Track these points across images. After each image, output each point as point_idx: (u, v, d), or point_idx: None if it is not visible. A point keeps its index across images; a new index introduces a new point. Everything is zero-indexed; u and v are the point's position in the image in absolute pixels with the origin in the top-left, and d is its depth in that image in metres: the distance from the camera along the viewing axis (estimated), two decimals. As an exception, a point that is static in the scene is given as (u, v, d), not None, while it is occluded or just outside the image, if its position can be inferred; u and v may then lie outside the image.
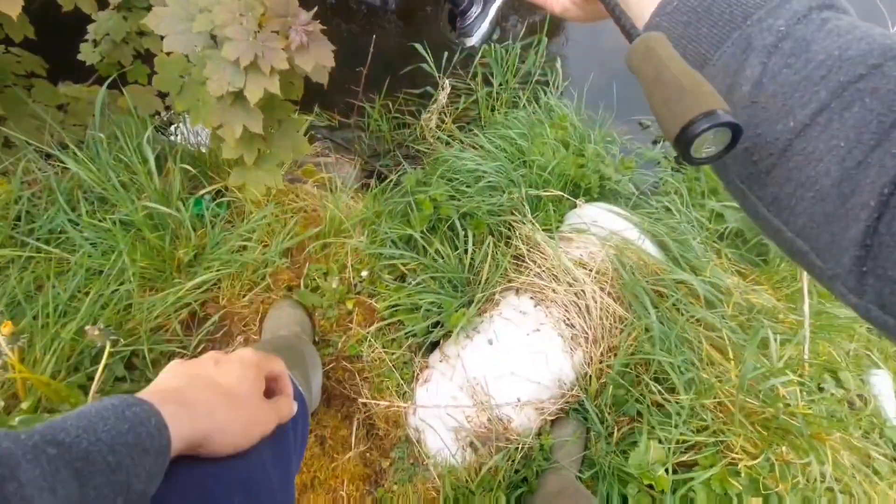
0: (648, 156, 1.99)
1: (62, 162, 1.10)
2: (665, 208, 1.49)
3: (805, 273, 1.21)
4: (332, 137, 2.42)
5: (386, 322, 1.20)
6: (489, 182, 1.32)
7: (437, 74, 2.29)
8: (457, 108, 2.39)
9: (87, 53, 1.51)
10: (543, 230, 1.30)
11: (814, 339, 1.17)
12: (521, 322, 1.19)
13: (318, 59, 0.94)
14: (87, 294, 0.99)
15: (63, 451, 0.28)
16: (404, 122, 2.49)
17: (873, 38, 0.25)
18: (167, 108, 1.50)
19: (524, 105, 2.10)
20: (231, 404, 0.41)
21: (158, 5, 1.02)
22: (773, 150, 0.27)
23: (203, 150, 1.38)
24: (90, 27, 1.50)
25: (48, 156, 1.18)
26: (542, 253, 1.22)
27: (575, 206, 1.44)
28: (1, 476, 0.24)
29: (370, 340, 1.18)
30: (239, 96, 0.96)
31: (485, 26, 0.45)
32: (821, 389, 1.22)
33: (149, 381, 0.96)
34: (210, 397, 0.40)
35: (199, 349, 1.08)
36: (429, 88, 2.34)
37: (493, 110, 2.25)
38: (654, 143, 2.56)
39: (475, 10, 0.44)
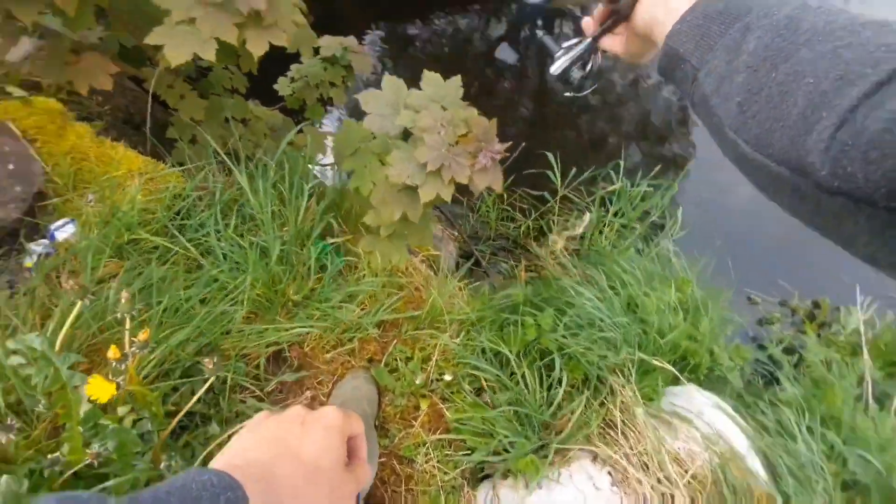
0: (773, 351, 1.81)
1: (229, 172, 1.20)
2: (777, 422, 1.32)
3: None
4: (442, 208, 2.51)
5: (450, 436, 1.12)
6: (605, 335, 1.25)
7: (558, 185, 2.33)
8: (566, 221, 2.40)
9: (282, 86, 1.72)
10: (643, 401, 1.19)
11: None
12: (590, 495, 1.06)
13: (492, 182, 0.97)
14: (203, 301, 1.02)
15: None
16: (513, 216, 2.54)
17: (862, 14, 0.30)
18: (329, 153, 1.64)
19: (641, 247, 2.05)
20: (315, 480, 0.39)
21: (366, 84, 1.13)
22: (759, 98, 0.32)
23: (342, 198, 1.47)
24: (294, 67, 1.72)
25: (221, 163, 1.30)
26: (638, 431, 1.10)
27: (678, 381, 1.32)
28: None
29: (428, 448, 1.10)
30: (411, 188, 1.01)
31: (561, 61, 0.55)
32: None
33: (219, 409, 0.96)
34: (295, 474, 0.39)
35: (270, 390, 1.07)
36: (546, 194, 2.39)
37: (600, 233, 2.23)
38: (760, 322, 2.38)
39: (577, 74, 0.56)
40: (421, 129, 0.94)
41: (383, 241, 1.13)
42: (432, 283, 1.43)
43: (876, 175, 0.24)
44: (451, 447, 1.12)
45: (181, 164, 1.28)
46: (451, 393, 1.18)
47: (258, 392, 1.05)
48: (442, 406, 1.17)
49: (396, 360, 1.21)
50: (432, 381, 1.20)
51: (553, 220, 2.41)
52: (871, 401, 1.57)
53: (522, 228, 2.55)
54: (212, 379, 0.75)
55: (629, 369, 1.21)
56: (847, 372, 1.62)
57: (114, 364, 0.67)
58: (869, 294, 1.97)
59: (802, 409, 1.37)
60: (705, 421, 1.18)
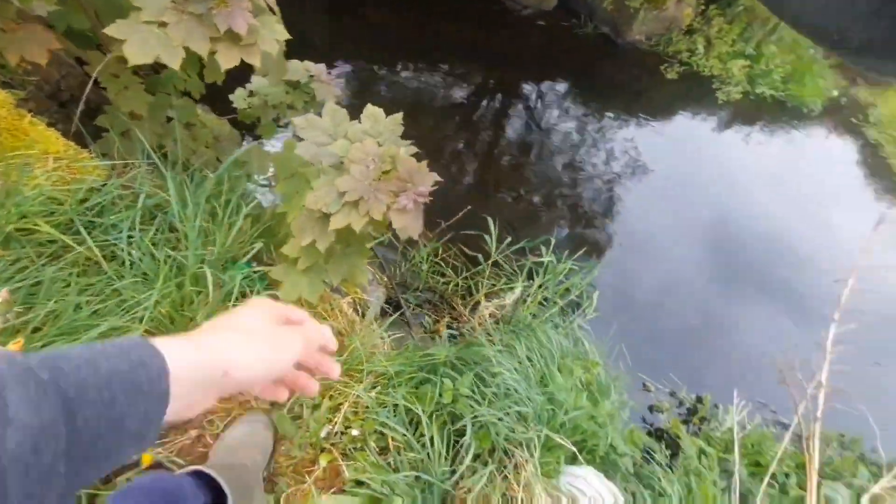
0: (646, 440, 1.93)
1: (163, 178, 1.12)
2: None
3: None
4: (376, 250, 2.50)
5: (345, 497, 1.05)
6: (518, 408, 1.27)
7: (492, 249, 2.43)
8: (493, 285, 2.49)
9: (238, 98, 1.67)
10: (542, 476, 1.21)
11: None
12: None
13: (409, 224, 0.98)
14: (95, 313, 0.91)
15: (57, 377, 0.28)
16: (444, 271, 2.57)
17: None
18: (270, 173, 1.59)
19: (558, 322, 2.16)
20: (248, 338, 0.40)
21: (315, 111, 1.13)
22: None
23: (277, 223, 1.41)
24: (255, 80, 1.68)
25: (153, 164, 1.21)
26: (534, 508, 1.11)
27: (576, 461, 1.37)
28: None
29: (319, 508, 1.02)
30: (326, 217, 0.99)
31: None
32: None
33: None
34: (222, 335, 0.40)
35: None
36: (480, 256, 2.47)
37: (524, 302, 2.32)
38: (651, 409, 2.55)
39: None
40: (350, 161, 0.94)
41: (297, 273, 1.08)
42: (356, 329, 1.39)
43: None
44: (343, 508, 1.05)
45: (106, 156, 1.16)
46: (355, 449, 1.12)
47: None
48: (342, 463, 1.10)
49: (302, 406, 1.13)
50: (337, 433, 1.14)
51: (481, 283, 2.48)
52: (736, 496, 1.72)
53: (451, 285, 2.60)
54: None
55: (535, 445, 1.23)
56: (714, 465, 1.77)
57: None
58: (744, 397, 2.21)
59: (681, 499, 1.47)
60: (590, 498, 1.22)
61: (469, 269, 2.57)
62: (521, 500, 1.12)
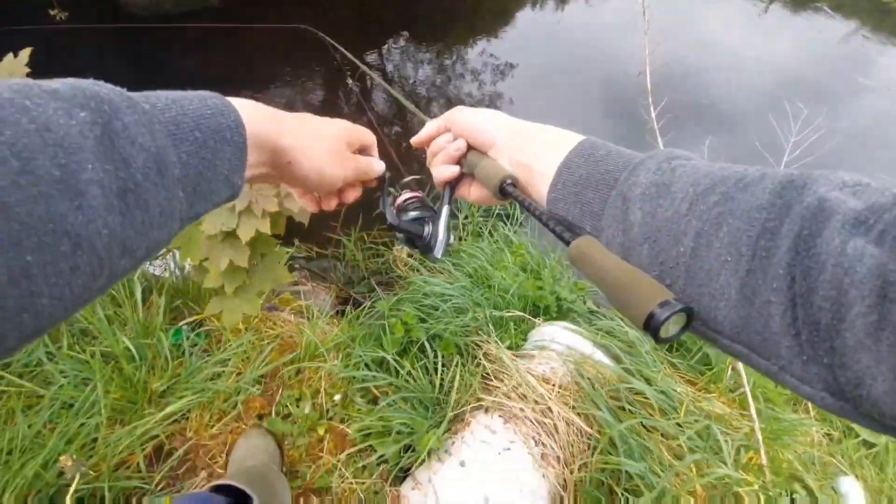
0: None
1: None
2: (617, 323, 1.63)
3: (756, 373, 1.31)
4: (309, 267, 2.57)
5: (357, 448, 1.19)
6: (455, 304, 1.44)
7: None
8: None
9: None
10: (509, 350, 1.39)
11: (770, 445, 1.22)
12: (491, 441, 1.20)
13: (303, 203, 1.10)
14: (53, 429, 0.98)
15: (156, 112, 0.29)
16: (378, 252, 2.68)
17: (713, 173, 0.32)
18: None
19: (487, 236, 2.34)
20: (316, 135, 0.42)
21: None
22: (679, 273, 0.31)
23: (185, 282, 1.48)
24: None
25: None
26: (508, 372, 1.29)
27: (535, 325, 1.56)
28: (108, 114, 0.25)
29: (341, 469, 1.16)
30: (230, 235, 1.10)
31: (441, 239, 0.50)
32: (793, 501, 1.23)
33: (103, 523, 0.92)
34: (296, 122, 0.41)
35: (161, 486, 1.04)
36: (401, 223, 2.60)
37: (459, 240, 2.49)
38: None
39: (428, 230, 0.51)
40: None
41: (230, 298, 1.18)
42: (305, 326, 1.50)
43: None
44: (361, 457, 1.19)
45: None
46: (347, 412, 1.26)
47: (147, 489, 1.01)
48: (342, 426, 1.23)
49: (286, 406, 1.25)
50: (327, 409, 1.27)
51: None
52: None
53: (392, 261, 2.72)
54: (75, 483, 0.74)
55: (487, 326, 1.41)
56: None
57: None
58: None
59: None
60: (559, 343, 1.42)
61: (398, 237, 2.68)
62: (495, 371, 1.30)
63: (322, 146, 0.43)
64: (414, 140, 0.55)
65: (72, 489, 0.75)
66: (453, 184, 0.52)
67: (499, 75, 4.49)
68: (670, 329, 0.29)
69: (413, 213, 0.53)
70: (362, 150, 0.52)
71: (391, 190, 0.56)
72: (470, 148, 0.50)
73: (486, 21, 5.31)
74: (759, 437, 1.13)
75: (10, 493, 0.82)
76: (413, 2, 5.17)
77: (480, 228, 2.45)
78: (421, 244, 0.52)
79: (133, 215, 0.25)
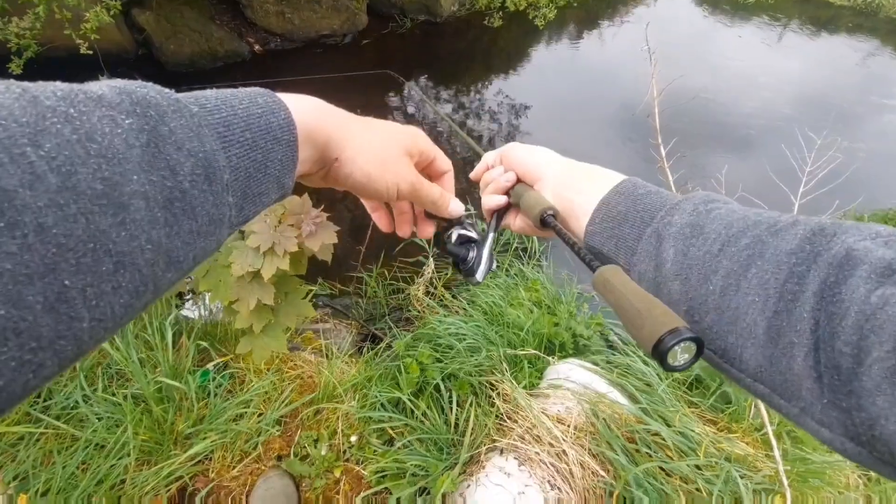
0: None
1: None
2: (633, 360, 1.61)
3: (779, 417, 1.27)
4: (331, 304, 2.64)
5: (372, 490, 1.20)
6: (469, 343, 1.46)
7: (427, 247, 2.63)
8: (445, 274, 2.67)
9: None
10: (523, 388, 1.39)
11: (799, 488, 1.17)
12: (506, 484, 1.20)
13: (324, 240, 1.17)
14: (86, 469, 1.03)
15: (205, 113, 0.27)
16: (399, 287, 2.74)
17: (747, 217, 0.34)
18: (191, 291, 1.73)
19: (503, 273, 2.36)
20: (373, 136, 0.39)
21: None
22: (707, 310, 0.32)
23: (213, 324, 1.56)
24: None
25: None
26: (522, 412, 1.29)
27: (549, 363, 1.56)
28: (154, 119, 0.24)
29: (356, 511, 1.17)
30: (256, 275, 1.17)
31: (483, 264, 0.52)
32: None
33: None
34: (351, 119, 0.39)
35: (183, 527, 1.07)
36: (421, 258, 2.66)
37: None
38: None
39: (472, 255, 0.52)
40: (251, 224, 1.12)
41: (258, 336, 1.24)
42: (324, 367, 1.54)
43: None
44: (376, 501, 1.20)
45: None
46: (363, 453, 1.28)
47: (170, 533, 1.05)
48: (358, 468, 1.25)
49: (304, 446, 1.28)
50: (344, 450, 1.29)
51: (436, 277, 2.66)
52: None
53: (412, 293, 2.76)
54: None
55: (502, 364, 1.42)
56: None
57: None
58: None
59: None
60: (574, 381, 1.42)
61: (420, 273, 2.74)
62: (509, 412, 1.31)
63: (375, 149, 0.39)
64: (472, 174, 0.58)
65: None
66: (500, 213, 0.55)
67: (513, 113, 4.65)
68: (678, 357, 0.30)
69: (459, 238, 0.55)
70: (434, 177, 0.49)
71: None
72: (519, 181, 0.53)
73: (502, 59, 5.52)
74: (785, 479, 1.09)
75: (46, 533, 0.87)
76: (431, 44, 5.43)
77: (496, 265, 2.47)
78: (465, 267, 0.53)
79: (180, 225, 0.24)
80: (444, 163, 0.47)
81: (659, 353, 0.29)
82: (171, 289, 0.29)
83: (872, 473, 1.49)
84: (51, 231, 0.18)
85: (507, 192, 0.54)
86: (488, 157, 0.57)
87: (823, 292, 0.27)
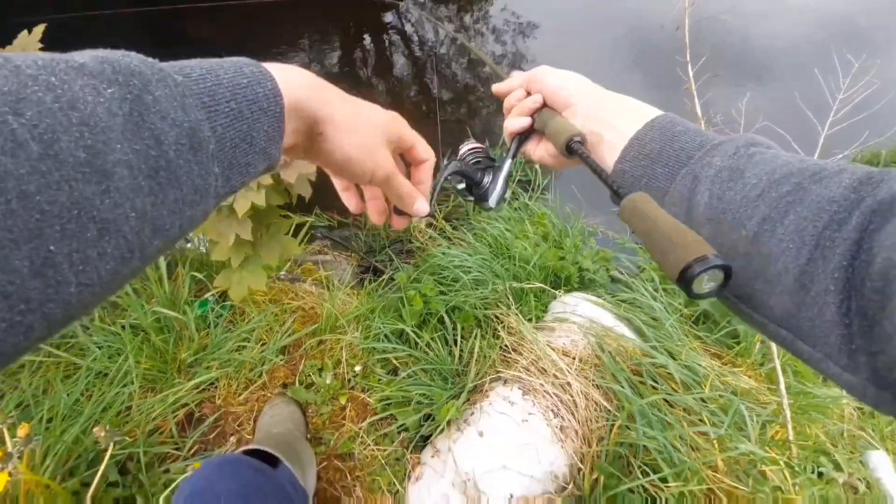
0: (627, 245, 2.13)
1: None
2: (641, 294, 1.59)
3: (791, 355, 1.27)
4: (330, 236, 2.59)
5: (378, 417, 1.22)
6: (475, 276, 1.43)
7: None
8: (447, 207, 2.60)
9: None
10: (528, 321, 1.38)
11: (798, 420, 1.19)
12: (510, 412, 1.21)
13: (300, 170, 1.08)
14: (90, 397, 1.03)
15: (190, 83, 0.27)
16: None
17: (791, 164, 0.32)
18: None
19: (509, 204, 2.29)
20: (357, 114, 0.39)
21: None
22: (736, 255, 0.32)
23: (209, 255, 1.50)
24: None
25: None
26: (527, 345, 1.28)
27: (556, 297, 1.54)
28: (138, 87, 0.24)
29: (362, 436, 1.19)
30: (231, 210, 1.09)
31: (498, 189, 0.50)
32: (820, 475, 1.21)
33: (142, 485, 0.97)
34: (339, 95, 0.38)
35: (192, 451, 1.09)
36: (420, 191, 2.57)
37: (479, 211, 2.45)
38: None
39: (487, 179, 0.50)
40: None
41: (236, 272, 1.19)
42: (325, 298, 1.52)
43: None
44: (383, 426, 1.22)
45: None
46: (368, 382, 1.28)
47: (180, 455, 1.07)
48: (363, 395, 1.26)
49: (309, 375, 1.28)
50: (348, 379, 1.29)
51: (436, 209, 2.58)
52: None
53: (412, 229, 2.70)
54: (110, 448, 0.78)
55: (507, 298, 1.40)
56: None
57: (0, 466, 0.68)
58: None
59: (651, 278, 1.66)
60: (580, 315, 1.40)
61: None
62: (515, 344, 1.30)
63: (359, 131, 0.39)
64: (494, 87, 0.55)
65: (107, 456, 0.79)
66: (522, 138, 0.52)
67: (520, 33, 4.29)
68: (704, 285, 0.29)
69: (472, 162, 0.53)
70: (413, 163, 0.47)
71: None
72: (545, 105, 0.50)
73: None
74: (788, 412, 1.10)
75: (52, 457, 0.87)
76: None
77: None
78: (477, 192, 0.51)
79: (165, 194, 0.24)
80: (425, 151, 0.46)
81: (686, 279, 0.29)
82: (160, 256, 0.28)
83: (866, 407, 1.54)
84: (34, 198, 0.19)
85: (531, 115, 0.51)
86: (515, 79, 0.54)
87: (862, 241, 0.26)
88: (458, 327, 1.35)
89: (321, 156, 0.38)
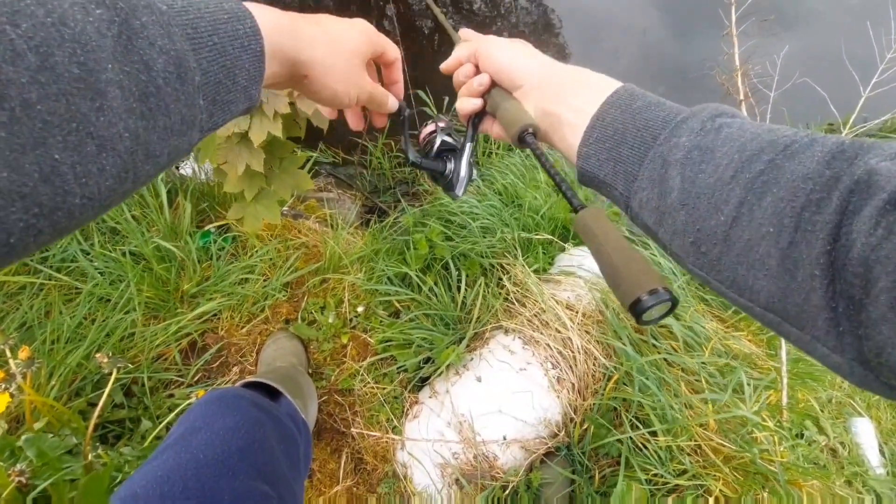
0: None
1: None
2: (651, 253, 1.56)
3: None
4: (335, 173, 2.52)
5: (379, 357, 1.24)
6: (483, 224, 1.39)
7: (435, 114, 2.41)
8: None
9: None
10: (534, 273, 1.36)
11: (792, 386, 1.21)
12: (509, 360, 1.23)
13: (325, 113, 1.02)
14: (93, 322, 1.03)
15: (174, 13, 0.27)
16: (405, 160, 2.59)
17: (760, 136, 0.31)
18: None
19: (518, 151, 2.20)
20: (334, 49, 0.40)
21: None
22: (716, 241, 0.31)
23: (211, 185, 1.46)
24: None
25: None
26: (532, 296, 1.27)
27: (564, 249, 1.51)
28: (125, 12, 0.24)
29: (362, 374, 1.21)
30: (244, 137, 1.04)
31: (463, 176, 0.49)
32: (802, 436, 1.25)
33: (146, 408, 1.00)
34: (314, 32, 0.38)
35: (196, 378, 1.11)
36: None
37: (489, 155, 2.36)
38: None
39: (450, 167, 0.50)
40: None
41: (251, 204, 1.15)
42: (329, 237, 1.49)
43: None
44: (383, 365, 1.24)
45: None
46: (369, 322, 1.29)
47: (183, 382, 1.09)
48: (365, 336, 1.27)
49: (311, 312, 1.28)
50: (350, 319, 1.30)
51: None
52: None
53: (419, 171, 2.61)
54: (115, 373, 0.79)
55: (515, 248, 1.37)
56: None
57: (1, 386, 0.69)
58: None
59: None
60: (586, 269, 1.38)
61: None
62: (519, 295, 1.29)
63: (339, 63, 0.40)
64: (442, 66, 0.52)
65: (112, 380, 0.80)
66: (476, 119, 0.50)
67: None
68: (653, 314, 0.31)
69: (438, 145, 0.51)
70: (383, 66, 0.49)
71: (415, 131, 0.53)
72: (494, 84, 0.48)
73: None
74: (785, 378, 1.11)
75: (56, 378, 0.89)
76: None
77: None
78: (443, 181, 0.50)
79: (155, 120, 0.25)
80: (392, 52, 0.48)
81: (636, 312, 0.30)
82: (149, 181, 0.28)
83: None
84: (35, 107, 0.20)
85: (482, 96, 0.49)
86: (460, 53, 0.50)
87: (841, 223, 0.26)
88: (463, 275, 1.33)
89: (308, 94, 0.40)
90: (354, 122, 0.52)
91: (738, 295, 0.31)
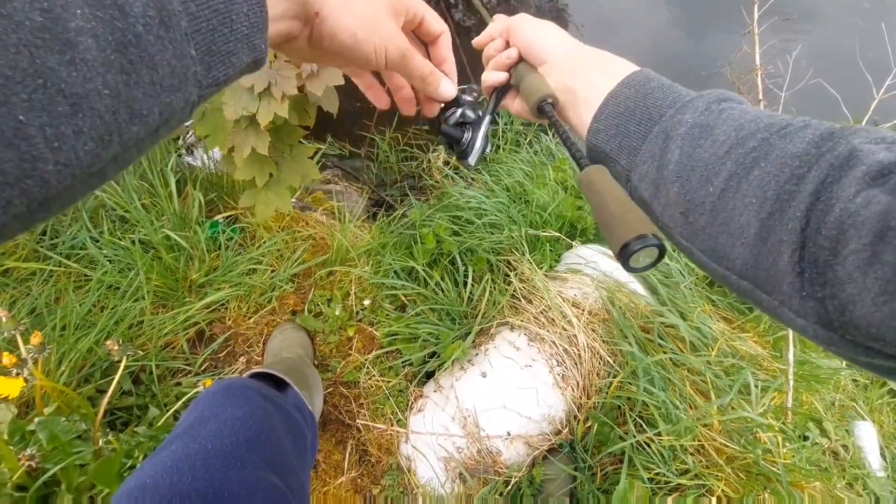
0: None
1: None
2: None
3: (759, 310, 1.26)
4: (342, 166, 2.52)
5: (384, 350, 1.24)
6: (490, 220, 1.39)
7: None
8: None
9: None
10: (540, 270, 1.36)
11: (797, 388, 1.21)
12: (514, 357, 1.23)
13: (328, 82, 1.01)
14: (102, 309, 1.03)
15: None
16: (412, 155, 2.58)
17: (759, 119, 0.33)
18: (189, 134, 1.59)
19: (526, 146, 2.19)
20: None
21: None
22: (703, 211, 0.33)
23: (219, 175, 1.46)
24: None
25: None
26: (538, 293, 1.27)
27: (571, 246, 1.51)
28: None
29: (368, 367, 1.22)
30: (252, 120, 1.03)
31: (478, 147, 0.50)
32: (805, 438, 1.25)
33: (154, 395, 1.01)
34: None
35: (203, 367, 1.12)
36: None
37: (497, 149, 2.35)
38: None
39: (467, 136, 0.50)
40: None
41: (262, 191, 1.15)
42: (336, 229, 1.49)
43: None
44: (388, 359, 1.25)
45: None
46: (375, 316, 1.29)
47: (191, 371, 1.10)
48: (371, 329, 1.27)
49: (318, 304, 1.29)
50: (356, 311, 1.30)
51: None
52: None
53: (426, 165, 2.61)
54: (124, 360, 0.79)
55: (522, 245, 1.37)
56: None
57: (14, 371, 0.69)
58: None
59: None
60: (593, 268, 1.38)
61: (434, 141, 2.55)
62: (525, 292, 1.29)
63: (360, 4, 0.34)
64: (475, 40, 0.54)
65: (121, 367, 0.80)
66: (500, 92, 0.52)
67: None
68: (641, 260, 0.31)
69: (458, 116, 0.52)
70: (427, 40, 0.43)
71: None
72: (522, 59, 0.50)
73: None
74: (791, 380, 1.11)
75: (66, 364, 0.89)
76: None
77: (520, 138, 2.29)
78: (458, 149, 0.52)
79: (138, 74, 0.22)
80: (437, 23, 0.42)
81: (624, 255, 0.31)
82: (144, 145, 0.25)
83: (860, 379, 1.56)
84: None
85: (508, 70, 0.51)
86: (494, 27, 0.52)
87: (819, 192, 0.27)
88: (470, 270, 1.33)
89: (324, 42, 0.34)
90: (381, 99, 0.45)
91: (718, 264, 0.32)
